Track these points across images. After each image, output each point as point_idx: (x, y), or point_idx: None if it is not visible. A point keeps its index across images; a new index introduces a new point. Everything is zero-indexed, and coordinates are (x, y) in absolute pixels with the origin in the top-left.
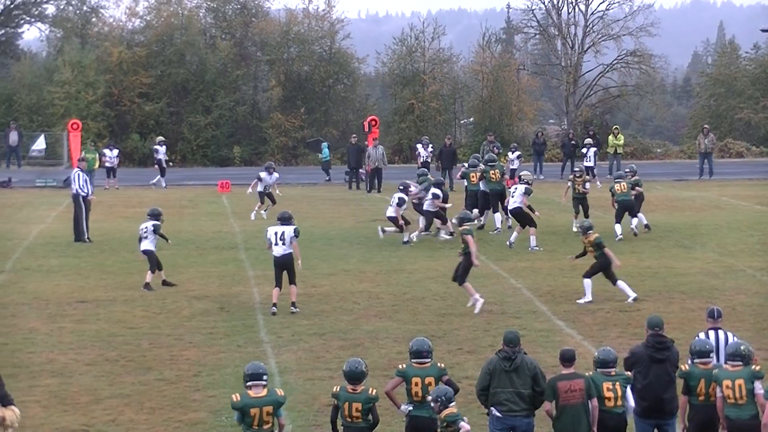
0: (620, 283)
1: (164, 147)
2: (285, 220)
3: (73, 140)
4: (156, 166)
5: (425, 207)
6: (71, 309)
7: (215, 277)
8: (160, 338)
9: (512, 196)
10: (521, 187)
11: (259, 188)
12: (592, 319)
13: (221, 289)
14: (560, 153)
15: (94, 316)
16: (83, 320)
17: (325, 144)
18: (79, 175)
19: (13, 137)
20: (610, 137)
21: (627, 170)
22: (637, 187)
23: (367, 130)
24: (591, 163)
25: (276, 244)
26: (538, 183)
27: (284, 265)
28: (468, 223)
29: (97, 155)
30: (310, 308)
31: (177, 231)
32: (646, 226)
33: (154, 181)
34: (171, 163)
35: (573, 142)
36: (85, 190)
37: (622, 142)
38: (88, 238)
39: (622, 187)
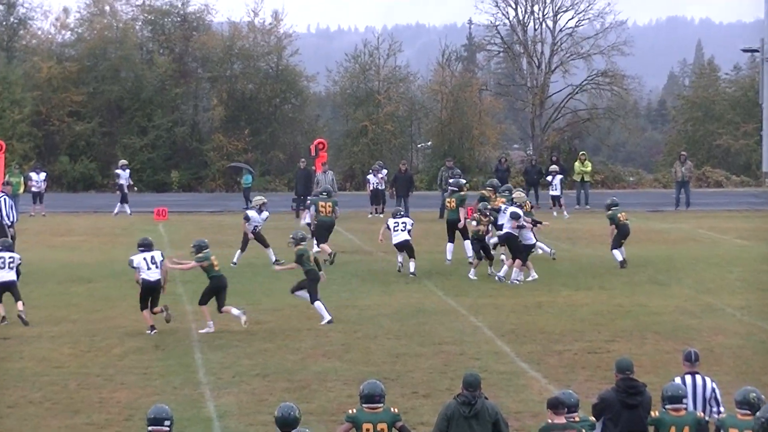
0: (317, 304)
1: (127, 171)
2: (148, 246)
3: None
4: (118, 192)
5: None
6: None
7: None
8: (89, 378)
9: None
10: (511, 210)
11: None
12: (559, 360)
13: (156, 326)
14: (524, 180)
15: (17, 354)
16: (5, 358)
17: (248, 174)
18: (5, 200)
19: None
20: (577, 164)
21: (609, 202)
22: (612, 224)
23: (314, 154)
24: (557, 192)
25: (149, 268)
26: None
27: (157, 289)
28: (206, 250)
29: (22, 179)
30: (253, 347)
31: (110, 261)
32: (622, 262)
33: (116, 210)
34: (135, 188)
35: (536, 167)
36: (11, 218)
37: (589, 169)
38: None
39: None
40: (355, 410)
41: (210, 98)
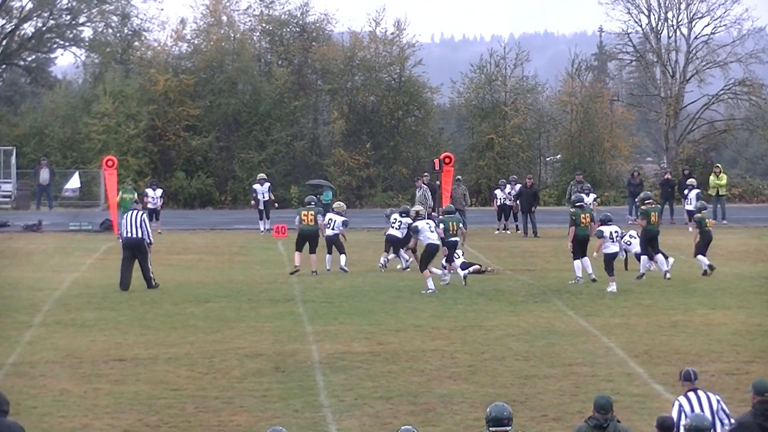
0: None
1: (266, 185)
2: None
3: (109, 178)
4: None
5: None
6: (108, 368)
7: (269, 332)
8: (207, 401)
9: None
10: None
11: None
12: None
13: (276, 347)
14: (657, 195)
15: (133, 377)
16: (121, 381)
17: (328, 190)
18: (147, 219)
19: (44, 175)
20: (712, 177)
21: (699, 205)
22: (698, 227)
23: (437, 168)
24: (692, 207)
25: None
26: (634, 228)
27: None
28: None
29: (136, 195)
30: (375, 368)
31: (227, 281)
32: (709, 266)
33: (263, 227)
34: (276, 204)
35: (671, 181)
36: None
37: (724, 182)
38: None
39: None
40: None
41: (330, 111)
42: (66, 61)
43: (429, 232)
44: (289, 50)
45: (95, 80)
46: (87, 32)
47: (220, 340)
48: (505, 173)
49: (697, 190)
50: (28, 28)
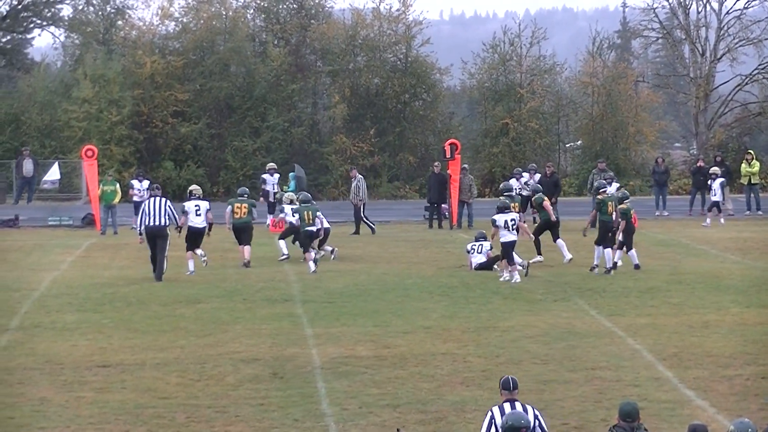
0: None
1: (277, 176)
2: None
3: (89, 170)
4: (262, 200)
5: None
6: (91, 375)
7: (266, 335)
8: (199, 411)
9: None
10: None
11: None
12: (729, 387)
13: (274, 351)
14: (688, 184)
15: (119, 384)
16: (105, 389)
17: (293, 174)
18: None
19: (28, 167)
20: (743, 164)
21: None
22: (623, 219)
23: (448, 155)
24: (718, 197)
25: None
26: (661, 221)
27: None
28: None
29: (117, 186)
30: (382, 374)
31: (220, 280)
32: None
33: (268, 222)
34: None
35: (704, 169)
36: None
37: (756, 169)
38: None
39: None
40: None
41: (330, 95)
42: (44, 42)
43: (195, 216)
44: (286, 29)
45: (75, 63)
46: (66, 10)
47: (212, 344)
48: (520, 161)
49: (722, 179)
50: (2, 7)
